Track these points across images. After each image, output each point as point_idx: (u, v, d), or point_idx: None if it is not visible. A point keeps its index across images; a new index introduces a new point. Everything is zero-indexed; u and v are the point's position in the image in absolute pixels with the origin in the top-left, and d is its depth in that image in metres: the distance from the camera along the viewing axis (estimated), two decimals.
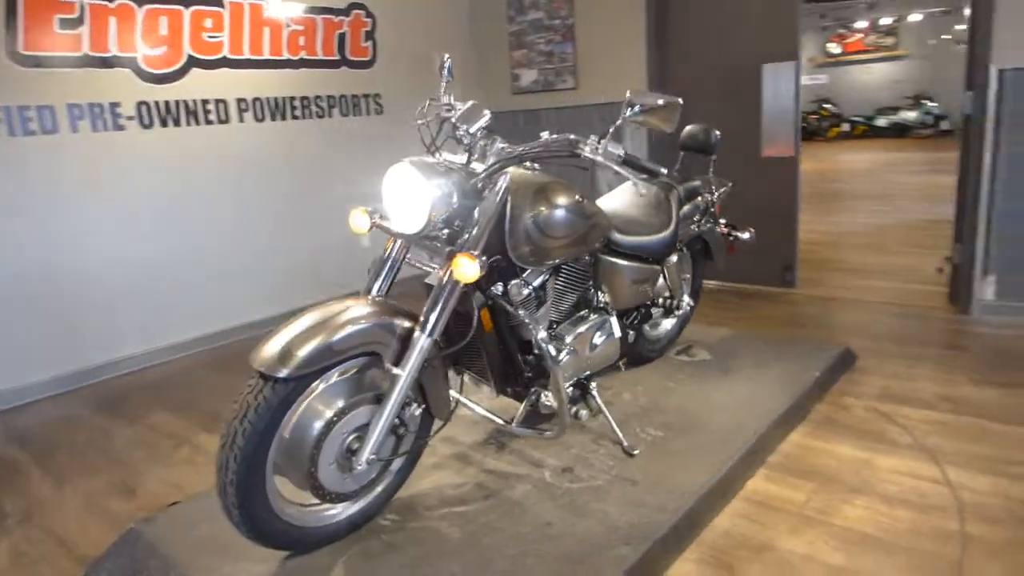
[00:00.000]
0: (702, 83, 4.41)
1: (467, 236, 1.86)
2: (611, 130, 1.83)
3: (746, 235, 3.14)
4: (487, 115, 1.91)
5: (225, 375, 3.67)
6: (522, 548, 1.88)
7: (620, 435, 2.36)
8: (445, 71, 2.18)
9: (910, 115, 13.77)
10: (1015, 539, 1.96)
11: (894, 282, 4.54)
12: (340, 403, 1.81)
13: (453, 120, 2.00)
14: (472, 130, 1.88)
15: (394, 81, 4.88)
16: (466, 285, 1.82)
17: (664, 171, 1.90)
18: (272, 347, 1.65)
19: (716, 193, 3.00)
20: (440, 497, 2.16)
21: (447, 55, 2.19)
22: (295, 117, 4.37)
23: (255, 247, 4.25)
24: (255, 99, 4.16)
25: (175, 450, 2.88)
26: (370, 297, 1.92)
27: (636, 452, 2.32)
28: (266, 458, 1.68)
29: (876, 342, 3.48)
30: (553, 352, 2.01)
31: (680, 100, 1.80)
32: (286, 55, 4.25)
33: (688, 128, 2.99)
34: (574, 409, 2.23)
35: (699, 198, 2.91)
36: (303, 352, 1.64)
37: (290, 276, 4.41)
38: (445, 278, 1.82)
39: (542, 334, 2.04)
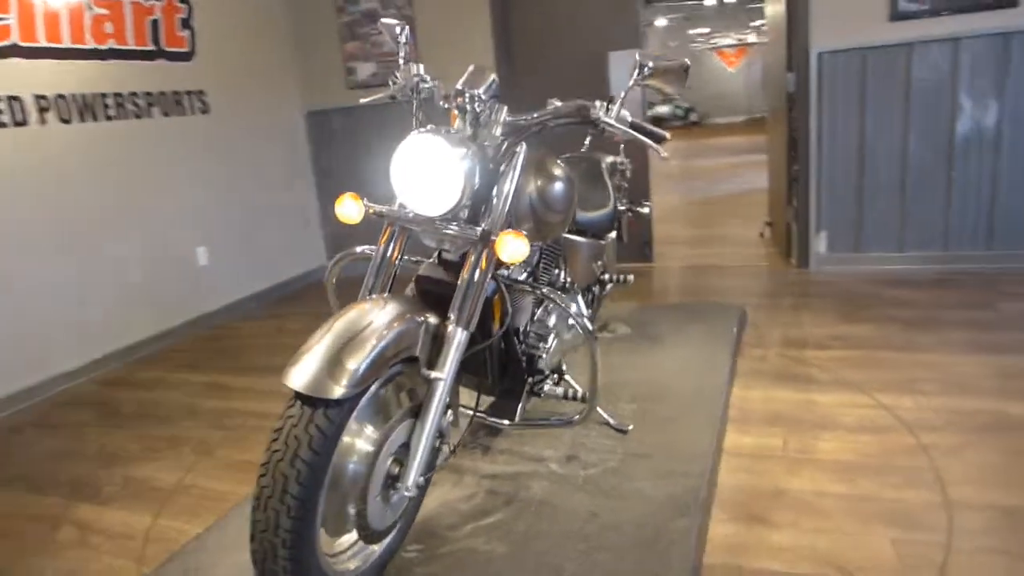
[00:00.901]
0: (552, 72, 4.50)
1: (491, 213, 1.68)
2: (622, 94, 1.76)
3: (646, 210, 3.25)
4: (494, 79, 1.74)
5: (59, 432, 2.97)
6: (583, 545, 1.75)
7: (605, 415, 2.31)
8: (403, 39, 1.96)
9: (662, 109, 15.49)
10: (965, 441, 2.26)
11: (729, 247, 5.05)
12: (381, 422, 1.54)
13: (437, 89, 1.82)
14: (484, 95, 1.69)
15: (219, 76, 4.31)
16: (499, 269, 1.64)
17: (668, 136, 1.88)
18: (313, 363, 1.35)
19: (627, 169, 3.07)
20: (457, 514, 1.94)
21: (401, 23, 1.96)
22: (109, 118, 3.66)
23: (65, 276, 3.49)
24: (58, 96, 3.41)
25: (52, 533, 2.26)
26: (383, 296, 1.64)
27: (629, 428, 2.29)
28: (318, 504, 1.36)
29: (747, 299, 3.83)
30: (588, 327, 1.90)
31: (688, 62, 1.79)
32: (91, 43, 3.54)
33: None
34: (574, 391, 2.14)
35: (618, 174, 2.96)
36: (357, 363, 1.36)
37: (117, 306, 3.70)
38: (479, 263, 1.62)
39: (553, 320, 1.91)
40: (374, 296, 1.64)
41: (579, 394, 2.12)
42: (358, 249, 2.06)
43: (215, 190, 4.33)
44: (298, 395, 1.35)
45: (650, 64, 1.72)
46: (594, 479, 2.03)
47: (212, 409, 3.08)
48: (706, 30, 16.51)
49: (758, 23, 16.88)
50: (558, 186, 1.92)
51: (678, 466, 2.04)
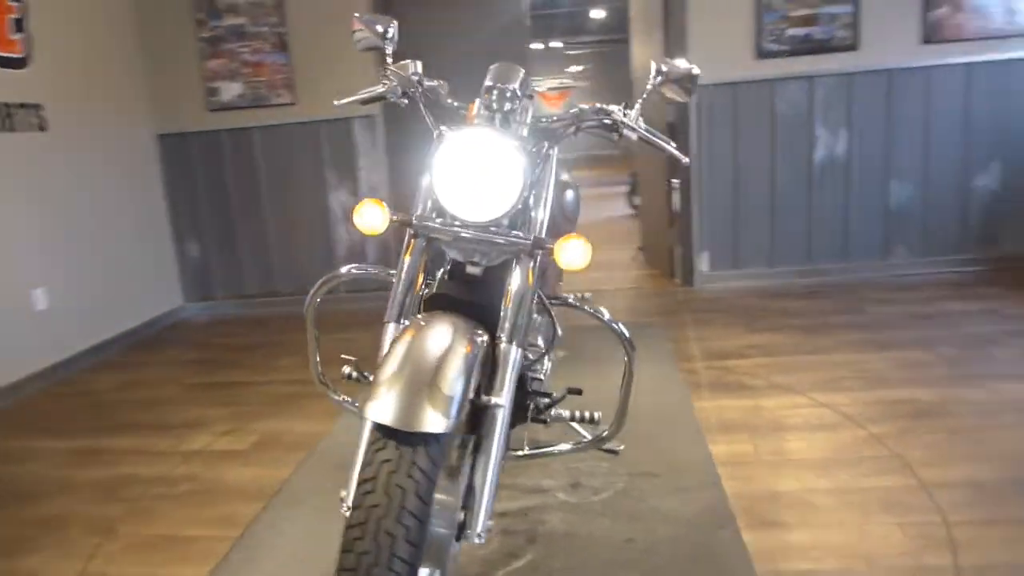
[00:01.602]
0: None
1: (531, 219, 1.54)
2: (642, 97, 1.72)
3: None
4: (525, 74, 1.60)
5: None
6: (634, 573, 1.64)
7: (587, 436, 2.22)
8: (391, 34, 1.78)
9: None
10: (906, 427, 2.47)
11: (608, 272, 5.22)
12: (453, 457, 1.32)
13: (441, 87, 1.67)
14: (523, 90, 1.55)
15: (60, 88, 3.68)
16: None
17: (674, 145, 1.87)
18: (404, 394, 1.12)
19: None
20: (480, 562, 1.74)
21: (389, 18, 1.79)
22: None
23: None
24: None
25: None
26: (437, 315, 1.43)
27: (621, 448, 2.21)
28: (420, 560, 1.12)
29: (649, 318, 3.96)
30: (627, 335, 1.79)
31: (697, 70, 1.79)
32: None
33: None
34: (585, 412, 2.02)
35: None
36: (452, 391, 1.15)
37: None
38: (527, 273, 1.47)
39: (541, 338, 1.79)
40: (427, 315, 1.42)
41: (590, 415, 2.01)
42: (343, 269, 1.81)
43: (54, 221, 3.66)
44: (387, 434, 1.11)
45: (664, 68, 1.70)
46: (610, 504, 1.93)
47: (95, 480, 2.54)
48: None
49: (574, 68, 18.08)
50: (571, 192, 1.84)
51: (687, 480, 2.01)
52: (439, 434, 1.13)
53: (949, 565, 1.75)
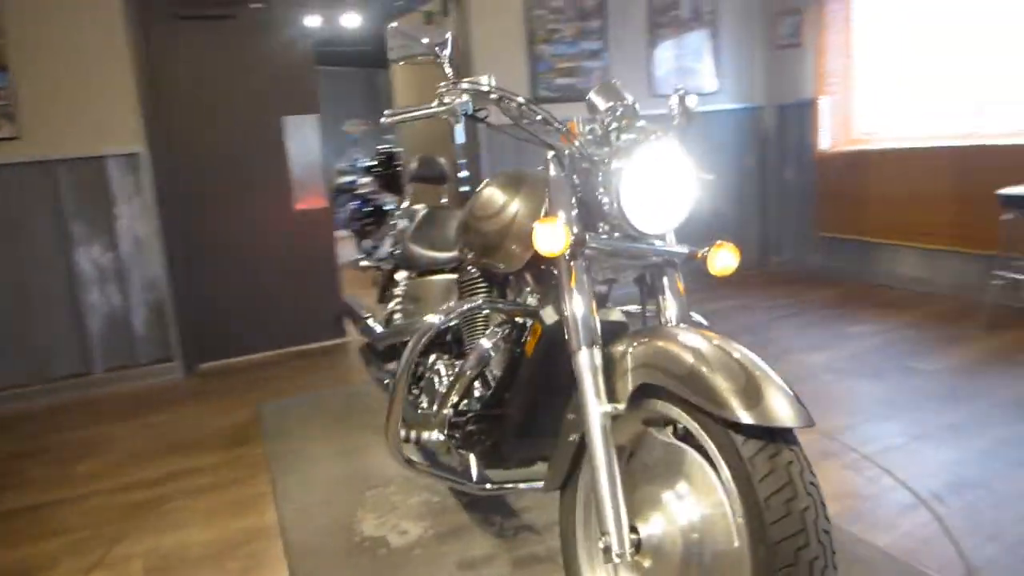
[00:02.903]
0: (220, 142, 3.88)
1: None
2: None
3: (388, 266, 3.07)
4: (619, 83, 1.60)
5: None
6: None
7: None
8: (448, 47, 1.64)
9: None
10: None
11: None
12: None
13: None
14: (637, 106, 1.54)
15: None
16: None
17: None
18: (772, 390, 1.09)
19: None
20: None
21: (447, 31, 1.64)
22: None
23: None
24: None
25: None
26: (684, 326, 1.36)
27: None
28: None
29: None
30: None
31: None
32: None
33: (419, 159, 2.84)
34: None
35: None
36: (784, 385, 1.14)
37: None
38: (678, 282, 1.50)
39: None
40: (666, 328, 1.34)
41: None
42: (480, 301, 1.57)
43: None
44: (752, 435, 1.06)
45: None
46: None
47: None
48: None
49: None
50: None
51: None
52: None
53: None
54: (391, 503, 2.13)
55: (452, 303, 1.72)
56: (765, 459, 1.05)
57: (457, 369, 1.72)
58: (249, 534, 2.19)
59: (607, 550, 1.22)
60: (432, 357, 2.17)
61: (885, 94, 4.72)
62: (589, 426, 1.29)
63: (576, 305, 1.37)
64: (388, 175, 7.90)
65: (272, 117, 4.00)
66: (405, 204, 2.86)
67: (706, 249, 1.47)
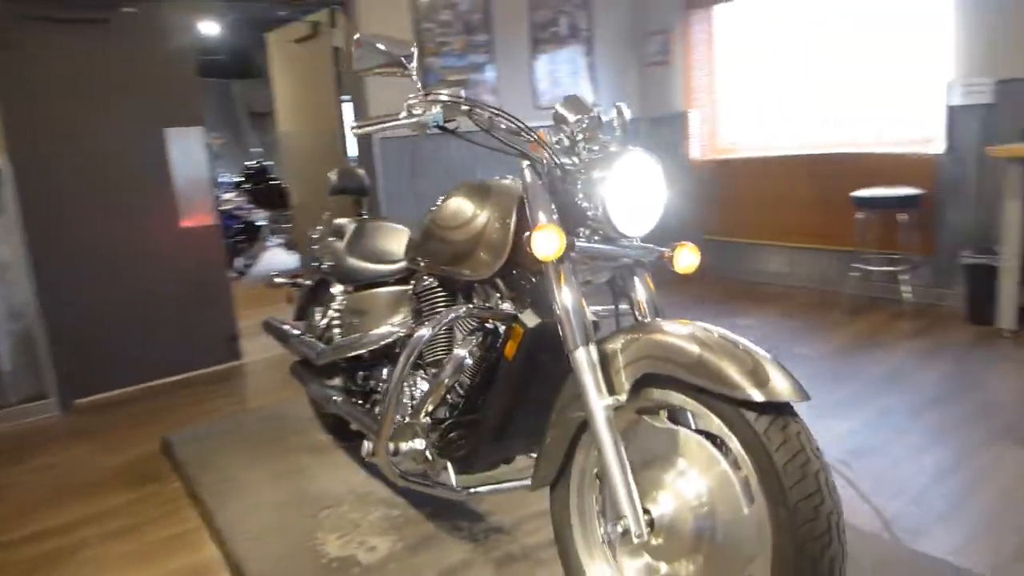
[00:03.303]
0: (98, 155, 3.55)
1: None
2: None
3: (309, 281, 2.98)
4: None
5: None
6: None
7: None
8: (413, 60, 1.65)
9: None
10: None
11: None
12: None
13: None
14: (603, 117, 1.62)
15: None
16: None
17: None
18: (774, 370, 1.20)
19: None
20: None
21: (408, 40, 1.65)
22: None
23: None
24: None
25: None
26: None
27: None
28: None
29: None
30: None
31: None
32: None
33: (339, 171, 2.77)
34: None
35: None
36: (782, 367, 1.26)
37: None
38: (648, 280, 1.61)
39: None
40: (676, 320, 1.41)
41: None
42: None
43: None
44: (768, 410, 1.17)
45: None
46: None
47: None
48: None
49: None
50: None
51: None
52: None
53: None
54: (350, 521, 2.07)
55: (442, 312, 1.71)
56: (777, 431, 1.17)
57: (430, 378, 1.72)
58: (188, 574, 2.05)
59: (626, 532, 1.29)
60: (384, 370, 2.15)
61: (746, 107, 5.21)
62: (594, 419, 1.36)
63: (570, 305, 1.43)
64: (259, 190, 7.58)
65: (153, 129, 3.73)
66: (325, 216, 2.79)
67: (670, 250, 1.59)
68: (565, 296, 1.44)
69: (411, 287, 2.05)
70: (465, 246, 1.72)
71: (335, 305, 2.38)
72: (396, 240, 2.48)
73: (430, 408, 1.75)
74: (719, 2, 5.08)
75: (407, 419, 1.79)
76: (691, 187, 5.45)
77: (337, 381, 2.31)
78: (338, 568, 1.84)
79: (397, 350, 2.14)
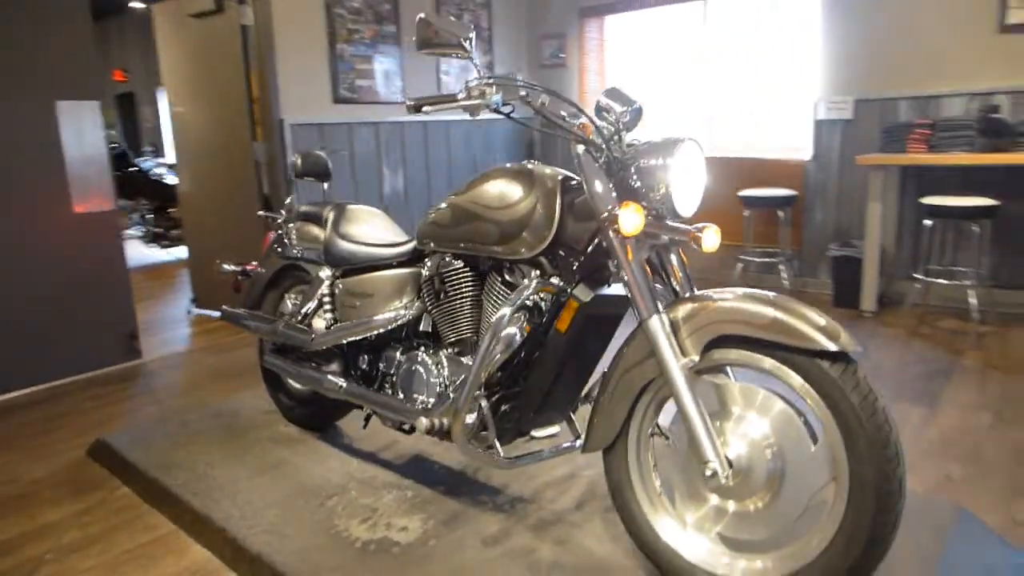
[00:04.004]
0: None
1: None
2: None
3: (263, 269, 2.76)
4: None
5: None
6: None
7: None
8: (473, 44, 1.70)
9: None
10: None
11: (181, 329, 4.55)
12: None
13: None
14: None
15: None
16: None
17: None
18: (837, 326, 1.40)
19: None
20: None
21: (471, 28, 1.69)
22: None
23: None
24: None
25: None
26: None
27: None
28: None
29: None
30: None
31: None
32: None
33: (302, 155, 2.66)
34: None
35: None
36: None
37: None
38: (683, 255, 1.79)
39: None
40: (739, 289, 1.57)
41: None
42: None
43: None
44: (839, 359, 1.39)
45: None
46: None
47: None
48: None
49: None
50: None
51: None
52: None
53: None
54: (364, 506, 2.05)
55: (520, 290, 1.76)
56: (849, 376, 1.39)
57: (482, 354, 1.77)
58: None
59: (713, 475, 1.46)
60: (396, 352, 2.14)
61: None
62: (673, 379, 1.51)
63: (640, 278, 1.58)
64: (120, 177, 6.85)
65: (41, 102, 3.33)
66: (288, 202, 2.69)
67: (698, 230, 1.78)
68: (636, 269, 1.58)
69: (423, 268, 2.07)
70: (511, 227, 1.79)
71: (323, 290, 2.32)
72: (381, 223, 2.47)
73: (481, 384, 1.80)
74: (611, 13, 5.44)
75: (453, 395, 1.84)
76: None
77: (334, 366, 2.26)
78: (377, 550, 1.83)
79: (404, 332, 2.15)
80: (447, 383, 1.95)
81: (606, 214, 1.60)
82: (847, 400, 1.38)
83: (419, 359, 2.02)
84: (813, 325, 1.41)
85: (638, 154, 1.67)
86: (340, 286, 2.28)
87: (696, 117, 5.26)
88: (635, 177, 1.65)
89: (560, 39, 5.64)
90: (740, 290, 1.56)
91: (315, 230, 2.45)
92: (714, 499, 1.58)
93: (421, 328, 2.14)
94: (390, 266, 2.21)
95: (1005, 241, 3.91)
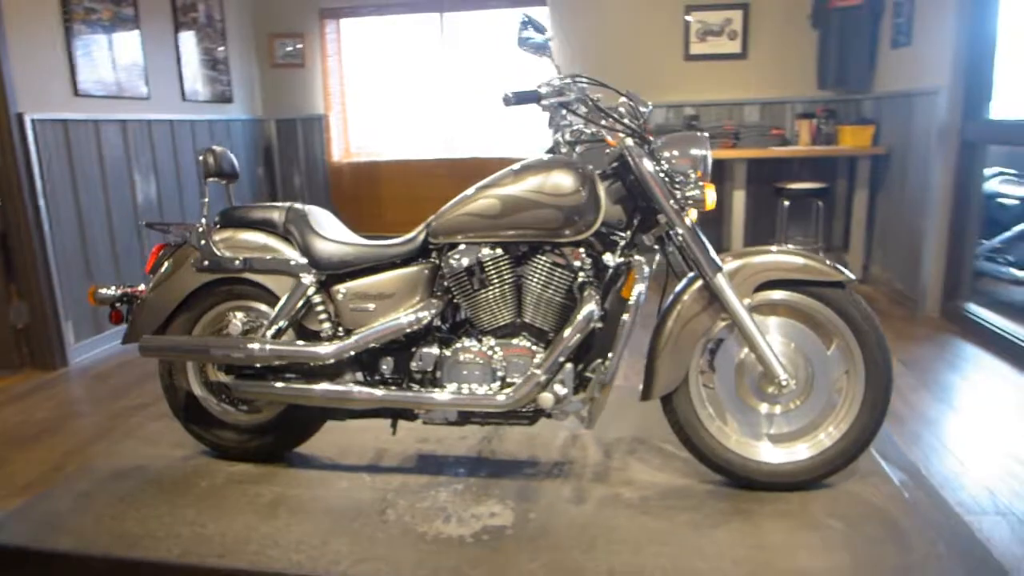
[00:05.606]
0: None
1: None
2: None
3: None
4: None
5: None
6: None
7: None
8: (551, 44, 1.87)
9: None
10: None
11: None
12: None
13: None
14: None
15: None
16: None
17: None
18: (836, 263, 1.99)
19: None
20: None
21: (547, 29, 1.85)
22: None
23: None
24: None
25: None
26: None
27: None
28: None
29: None
30: None
31: None
32: None
33: (212, 153, 2.27)
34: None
35: None
36: None
37: None
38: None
39: None
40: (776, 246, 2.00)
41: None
42: None
43: None
44: (847, 286, 1.98)
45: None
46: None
47: None
48: None
49: None
50: None
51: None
52: None
53: None
54: (431, 508, 1.96)
55: (605, 269, 1.92)
56: (851, 295, 1.99)
57: (574, 327, 1.95)
58: None
59: (784, 385, 1.93)
60: (431, 348, 2.10)
61: (375, 114, 5.74)
62: (741, 318, 1.94)
63: (701, 244, 1.98)
64: None
65: None
66: (205, 204, 2.30)
67: (700, 192, 2.21)
68: (698, 239, 1.97)
69: (439, 262, 2.10)
70: (572, 212, 1.98)
71: (314, 298, 2.12)
72: (338, 221, 2.34)
73: (569, 356, 1.98)
74: (347, 16, 5.46)
75: (540, 371, 1.96)
76: (329, 187, 5.71)
77: (357, 376, 2.10)
78: (491, 538, 1.84)
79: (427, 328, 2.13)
80: (506, 366, 2.04)
81: (682, 194, 1.95)
82: (859, 313, 1.99)
83: (472, 350, 2.06)
84: (827, 265, 1.99)
85: (672, 145, 2.03)
86: (342, 291, 2.12)
87: (436, 122, 5.65)
88: (666, 165, 2.01)
89: (298, 39, 5.45)
90: (763, 248, 2.07)
91: (263, 237, 2.21)
92: (764, 408, 2.07)
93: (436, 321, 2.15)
94: (392, 265, 2.15)
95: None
